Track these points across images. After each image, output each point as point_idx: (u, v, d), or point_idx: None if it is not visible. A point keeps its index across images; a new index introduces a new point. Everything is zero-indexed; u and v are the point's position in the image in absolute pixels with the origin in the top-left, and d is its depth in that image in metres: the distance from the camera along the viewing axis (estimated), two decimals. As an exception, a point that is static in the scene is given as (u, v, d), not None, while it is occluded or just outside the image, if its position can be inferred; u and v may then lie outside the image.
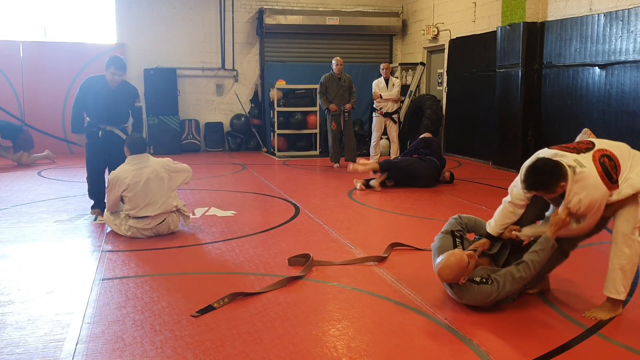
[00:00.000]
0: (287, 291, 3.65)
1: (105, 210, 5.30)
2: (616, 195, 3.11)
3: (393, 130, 9.56)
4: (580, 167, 3.09)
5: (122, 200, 5.15)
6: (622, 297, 3.20)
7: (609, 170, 3.11)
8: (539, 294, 3.58)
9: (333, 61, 9.60)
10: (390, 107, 9.51)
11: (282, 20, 12.25)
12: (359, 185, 7.46)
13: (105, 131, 5.70)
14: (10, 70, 11.21)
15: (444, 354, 2.81)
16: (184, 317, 3.23)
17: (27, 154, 9.79)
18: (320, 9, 12.63)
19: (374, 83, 9.67)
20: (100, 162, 5.86)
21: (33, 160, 9.85)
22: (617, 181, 3.11)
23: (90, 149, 5.79)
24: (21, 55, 11.27)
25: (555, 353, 2.79)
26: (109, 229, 5.25)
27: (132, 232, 5.01)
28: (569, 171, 3.08)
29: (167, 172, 5.16)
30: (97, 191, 5.88)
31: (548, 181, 3.10)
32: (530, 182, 3.17)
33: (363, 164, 7.81)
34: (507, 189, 3.52)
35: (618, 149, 3.25)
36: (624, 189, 3.11)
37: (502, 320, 3.21)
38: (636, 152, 3.30)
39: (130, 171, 5.00)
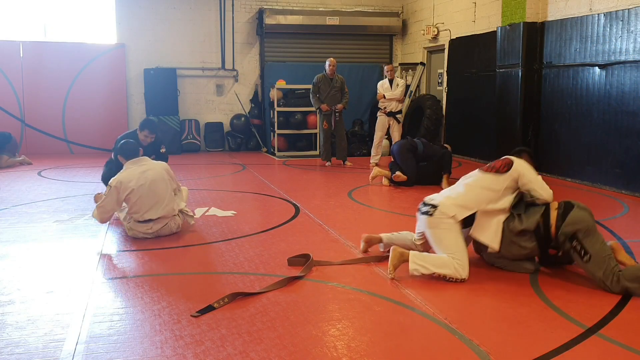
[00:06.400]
0: (287, 291, 3.65)
1: (96, 219, 4.98)
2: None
3: (395, 130, 9.62)
4: None
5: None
6: None
7: None
8: (538, 294, 3.58)
9: (327, 62, 9.71)
10: (394, 106, 9.57)
11: (282, 20, 12.25)
12: (384, 181, 7.75)
13: None
14: (10, 70, 11.21)
15: (444, 354, 2.81)
16: (184, 317, 3.23)
17: (8, 157, 9.77)
18: (320, 9, 12.63)
19: (379, 84, 9.78)
20: None
21: (11, 163, 9.80)
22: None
23: None
24: (21, 55, 11.28)
25: (555, 353, 2.79)
26: (108, 229, 5.25)
27: (132, 232, 5.00)
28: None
29: (169, 175, 5.14)
30: None
31: None
32: None
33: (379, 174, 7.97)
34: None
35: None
36: None
37: (502, 320, 3.21)
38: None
39: (135, 175, 4.86)
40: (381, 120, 9.65)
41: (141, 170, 4.92)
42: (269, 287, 3.66)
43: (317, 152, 11.61)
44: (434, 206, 3.94)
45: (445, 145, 8.14)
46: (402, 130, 9.78)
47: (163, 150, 6.38)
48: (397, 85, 9.57)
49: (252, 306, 3.38)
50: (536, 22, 8.66)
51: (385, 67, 9.73)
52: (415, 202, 6.78)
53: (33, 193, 7.21)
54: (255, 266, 4.19)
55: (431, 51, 12.27)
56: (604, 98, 7.56)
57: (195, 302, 3.43)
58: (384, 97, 9.53)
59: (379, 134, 9.69)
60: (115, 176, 4.90)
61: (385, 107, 9.58)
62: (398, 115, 9.63)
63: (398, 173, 7.62)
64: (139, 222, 4.92)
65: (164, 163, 5.27)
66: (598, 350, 2.85)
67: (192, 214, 5.38)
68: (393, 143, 9.59)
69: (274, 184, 7.90)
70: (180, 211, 5.18)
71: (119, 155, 5.12)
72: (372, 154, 9.77)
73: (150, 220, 4.92)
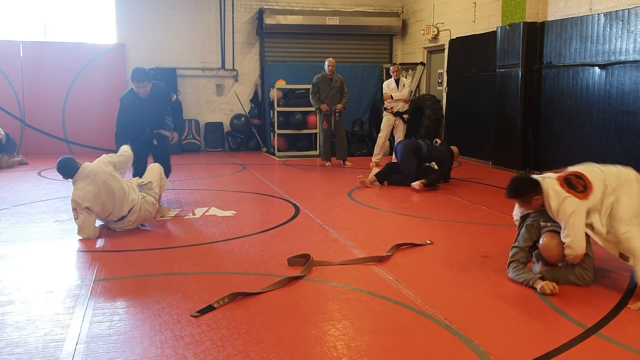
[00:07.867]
0: (287, 291, 3.65)
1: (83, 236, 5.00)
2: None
3: (400, 130, 9.66)
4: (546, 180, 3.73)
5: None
6: None
7: (572, 182, 3.67)
8: (539, 294, 3.59)
9: (326, 62, 9.73)
10: (400, 106, 9.61)
11: (282, 20, 12.25)
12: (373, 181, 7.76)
13: (152, 134, 6.26)
14: (10, 70, 11.21)
15: (444, 354, 2.81)
16: (184, 317, 3.23)
17: (8, 157, 9.80)
18: (320, 9, 12.63)
19: (385, 84, 9.78)
20: (142, 153, 6.15)
21: (11, 163, 9.80)
22: (583, 191, 3.63)
23: (135, 150, 5.85)
24: (21, 55, 11.28)
25: (555, 353, 2.79)
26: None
27: (122, 230, 5.18)
28: (545, 185, 3.68)
29: (112, 165, 5.17)
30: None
31: (523, 191, 3.77)
32: (509, 190, 3.84)
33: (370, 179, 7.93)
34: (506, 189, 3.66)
35: (590, 172, 3.74)
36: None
37: (502, 320, 3.21)
38: (626, 178, 3.67)
39: (86, 190, 4.88)
40: (387, 120, 9.67)
41: (88, 182, 4.92)
42: (269, 287, 3.66)
43: (317, 152, 11.61)
44: None
45: (451, 147, 8.09)
46: (405, 130, 9.80)
47: (174, 98, 6.25)
48: (404, 85, 9.60)
49: (252, 306, 3.38)
50: (536, 22, 8.66)
51: (391, 68, 9.74)
52: (415, 203, 6.82)
53: (33, 193, 7.20)
54: (255, 266, 4.19)
55: (431, 51, 12.26)
56: (604, 98, 7.56)
57: (195, 302, 3.43)
58: (392, 97, 9.54)
59: (384, 132, 9.71)
60: (73, 196, 4.91)
61: (392, 107, 9.61)
62: (404, 116, 9.66)
63: (362, 178, 7.66)
64: (117, 220, 5.11)
65: (103, 159, 5.16)
66: (598, 350, 2.85)
67: (153, 185, 5.39)
68: (396, 142, 9.62)
69: (274, 184, 7.90)
70: (143, 188, 5.25)
71: (60, 175, 5.09)
72: (375, 152, 9.78)
73: (124, 217, 5.09)
